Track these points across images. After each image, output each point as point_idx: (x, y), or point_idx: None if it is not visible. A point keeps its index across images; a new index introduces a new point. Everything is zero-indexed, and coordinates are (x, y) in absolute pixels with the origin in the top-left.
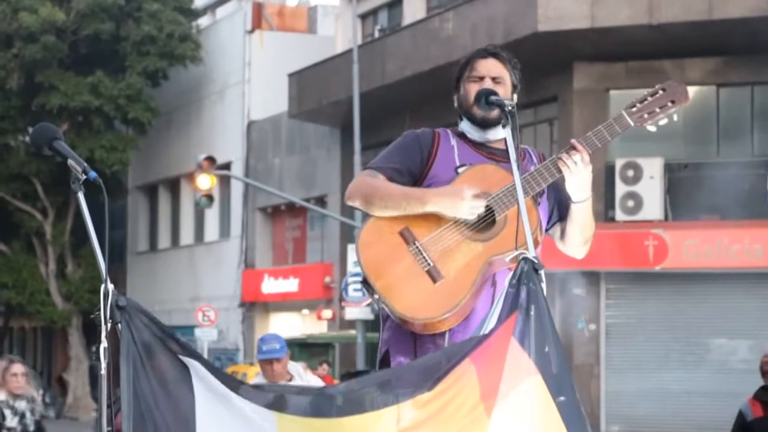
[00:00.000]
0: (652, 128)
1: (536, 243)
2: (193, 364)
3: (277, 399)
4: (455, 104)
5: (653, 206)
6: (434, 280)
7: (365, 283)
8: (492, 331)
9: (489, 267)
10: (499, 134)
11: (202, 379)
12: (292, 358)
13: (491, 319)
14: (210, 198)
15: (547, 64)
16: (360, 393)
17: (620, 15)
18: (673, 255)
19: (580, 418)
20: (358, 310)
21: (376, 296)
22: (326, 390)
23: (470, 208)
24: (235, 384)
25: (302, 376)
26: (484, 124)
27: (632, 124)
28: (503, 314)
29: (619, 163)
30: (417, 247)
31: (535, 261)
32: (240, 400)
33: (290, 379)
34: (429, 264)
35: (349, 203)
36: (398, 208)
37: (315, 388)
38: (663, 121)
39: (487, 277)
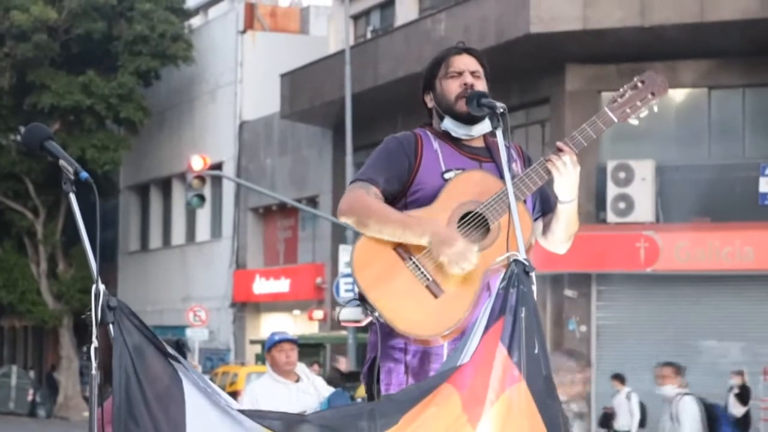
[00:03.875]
0: (634, 122)
1: (530, 247)
2: (181, 368)
3: (257, 413)
4: (430, 104)
5: (645, 208)
6: (435, 295)
7: (363, 301)
8: (471, 356)
9: (487, 276)
10: (483, 129)
11: (190, 381)
12: None
13: (481, 321)
14: (201, 198)
15: (539, 66)
16: (339, 421)
17: (612, 17)
18: (664, 257)
19: (561, 425)
20: (349, 311)
21: (377, 314)
22: (302, 417)
23: (453, 263)
24: (218, 392)
25: (309, 375)
26: (470, 120)
27: (615, 119)
28: (492, 317)
29: (610, 165)
30: (414, 263)
31: (526, 263)
32: (226, 405)
33: (297, 380)
34: (428, 279)
35: (342, 219)
36: (393, 236)
37: (291, 416)
38: (644, 114)
39: (485, 285)
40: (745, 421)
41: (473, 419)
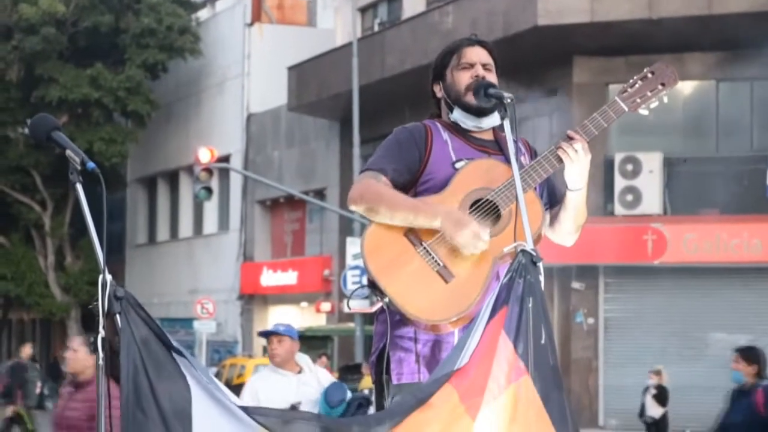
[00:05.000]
0: (644, 112)
1: (540, 236)
2: (185, 361)
3: (257, 410)
4: (439, 93)
5: (652, 200)
6: (446, 280)
7: (374, 287)
8: (470, 356)
9: (498, 262)
10: (493, 122)
11: (194, 374)
12: None
13: (483, 316)
14: (209, 190)
15: (547, 58)
16: (336, 423)
17: (620, 9)
18: (671, 249)
19: (567, 416)
20: (356, 303)
21: (387, 299)
22: (300, 415)
23: (467, 245)
24: (219, 386)
25: (311, 368)
26: (480, 113)
27: (626, 109)
28: (495, 309)
29: (618, 158)
30: (425, 248)
31: (534, 253)
32: (227, 400)
33: (300, 371)
34: (439, 264)
35: (352, 208)
36: (404, 221)
37: (290, 414)
38: (654, 104)
39: (496, 271)
40: (663, 422)
41: (471, 409)
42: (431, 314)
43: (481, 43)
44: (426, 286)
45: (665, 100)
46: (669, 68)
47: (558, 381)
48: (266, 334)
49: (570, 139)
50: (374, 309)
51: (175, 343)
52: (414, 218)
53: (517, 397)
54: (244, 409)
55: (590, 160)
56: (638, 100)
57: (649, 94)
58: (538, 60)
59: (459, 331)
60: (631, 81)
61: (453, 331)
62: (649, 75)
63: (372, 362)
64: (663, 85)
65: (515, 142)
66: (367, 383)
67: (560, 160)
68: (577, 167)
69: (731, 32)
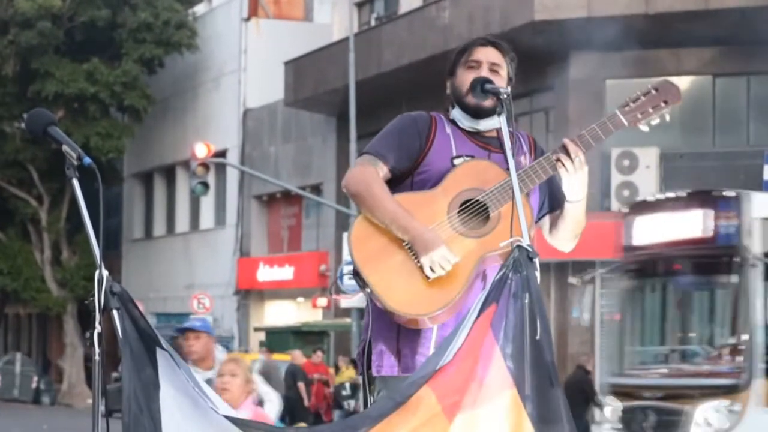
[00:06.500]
0: (644, 128)
1: (530, 239)
2: (170, 361)
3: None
4: (448, 90)
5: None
6: (428, 276)
7: (357, 276)
8: (454, 355)
9: (482, 263)
10: (491, 124)
11: (176, 375)
12: (288, 345)
13: (471, 316)
14: (205, 185)
15: (544, 54)
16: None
17: (617, 4)
18: None
19: (563, 411)
20: (347, 296)
21: (368, 290)
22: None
23: (431, 264)
24: (203, 391)
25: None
26: (477, 114)
27: (626, 123)
28: (484, 306)
29: (615, 153)
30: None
31: (530, 249)
32: (204, 402)
33: (211, 368)
34: None
35: (345, 190)
36: (381, 222)
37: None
38: (655, 121)
39: (479, 272)
40: None
41: (448, 410)
42: (409, 308)
43: (495, 44)
44: (407, 280)
45: (667, 117)
46: (674, 86)
47: (554, 377)
48: (182, 330)
49: (564, 147)
50: (356, 297)
51: (164, 342)
52: (389, 224)
53: (501, 412)
54: (230, 418)
55: (587, 171)
56: (639, 116)
57: (651, 110)
58: (534, 55)
59: (438, 329)
60: (633, 95)
61: (432, 328)
62: (653, 91)
63: (358, 354)
64: (666, 102)
65: (513, 138)
66: (342, 377)
67: (555, 169)
68: (572, 179)
69: (728, 27)
